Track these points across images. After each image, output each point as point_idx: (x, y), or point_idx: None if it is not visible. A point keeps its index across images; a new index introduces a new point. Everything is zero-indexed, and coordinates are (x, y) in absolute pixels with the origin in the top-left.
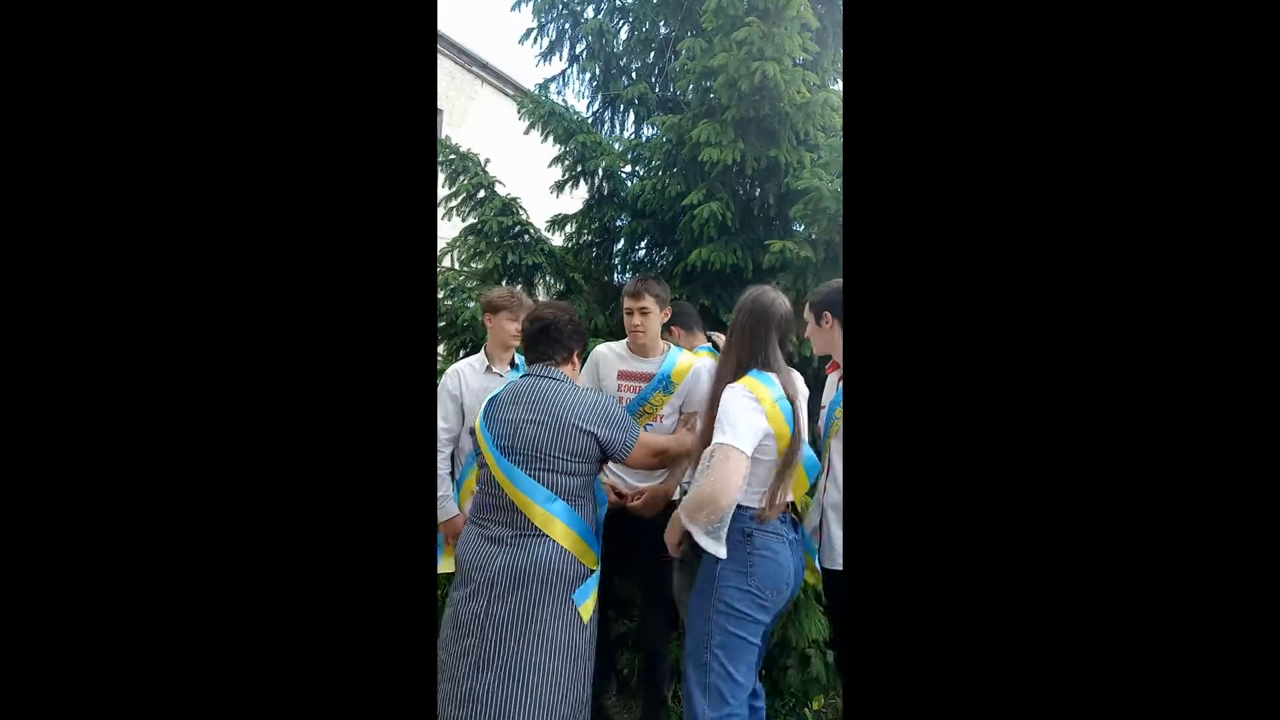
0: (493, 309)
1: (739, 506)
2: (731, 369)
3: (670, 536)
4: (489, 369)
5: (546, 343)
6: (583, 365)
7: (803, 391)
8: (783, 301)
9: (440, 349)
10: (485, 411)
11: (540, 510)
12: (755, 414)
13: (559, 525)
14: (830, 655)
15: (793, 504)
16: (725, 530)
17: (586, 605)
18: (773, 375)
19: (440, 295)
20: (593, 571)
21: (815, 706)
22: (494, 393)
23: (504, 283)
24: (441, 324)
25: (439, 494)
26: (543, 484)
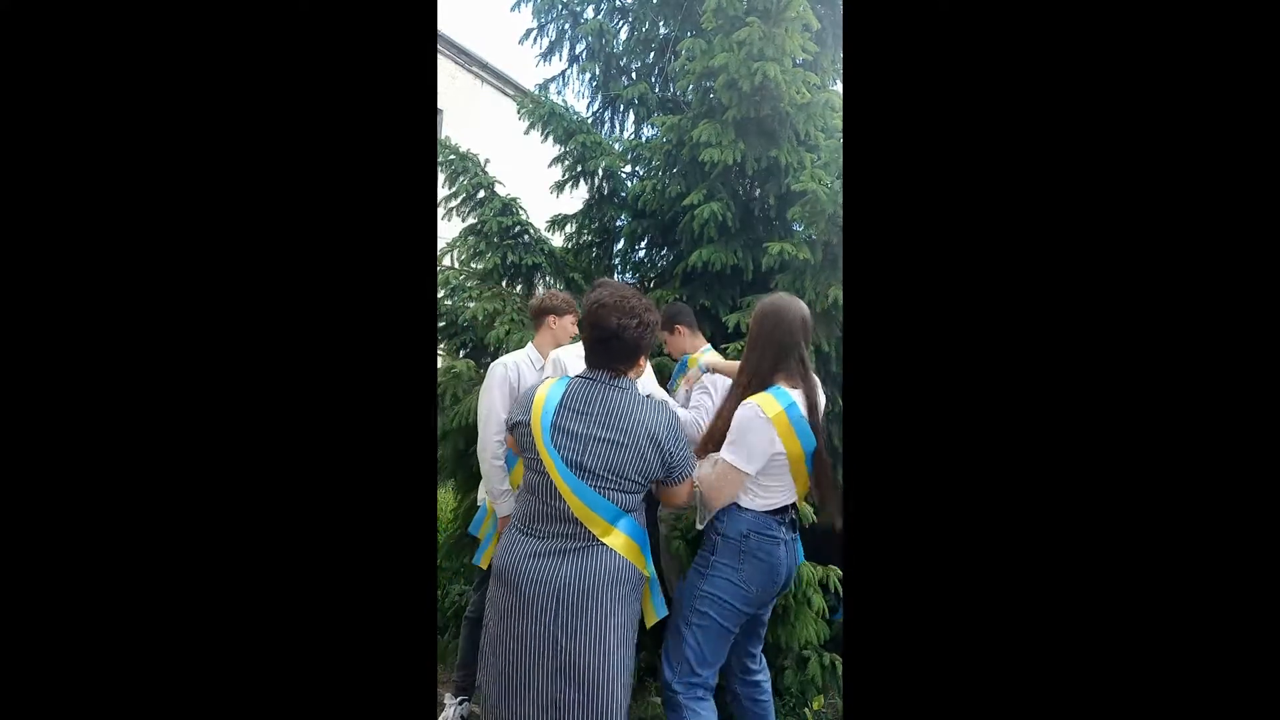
0: (557, 312)
1: (740, 508)
2: (749, 382)
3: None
4: (542, 367)
5: (608, 355)
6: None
7: (821, 402)
8: (801, 307)
9: (440, 349)
10: (547, 420)
11: (603, 523)
12: (764, 434)
13: (621, 537)
14: (827, 657)
15: (794, 506)
16: (710, 515)
17: (649, 611)
18: (788, 389)
19: (440, 295)
20: (646, 576)
21: (815, 707)
22: (550, 397)
23: (504, 283)
24: (441, 324)
25: (502, 488)
26: (612, 501)
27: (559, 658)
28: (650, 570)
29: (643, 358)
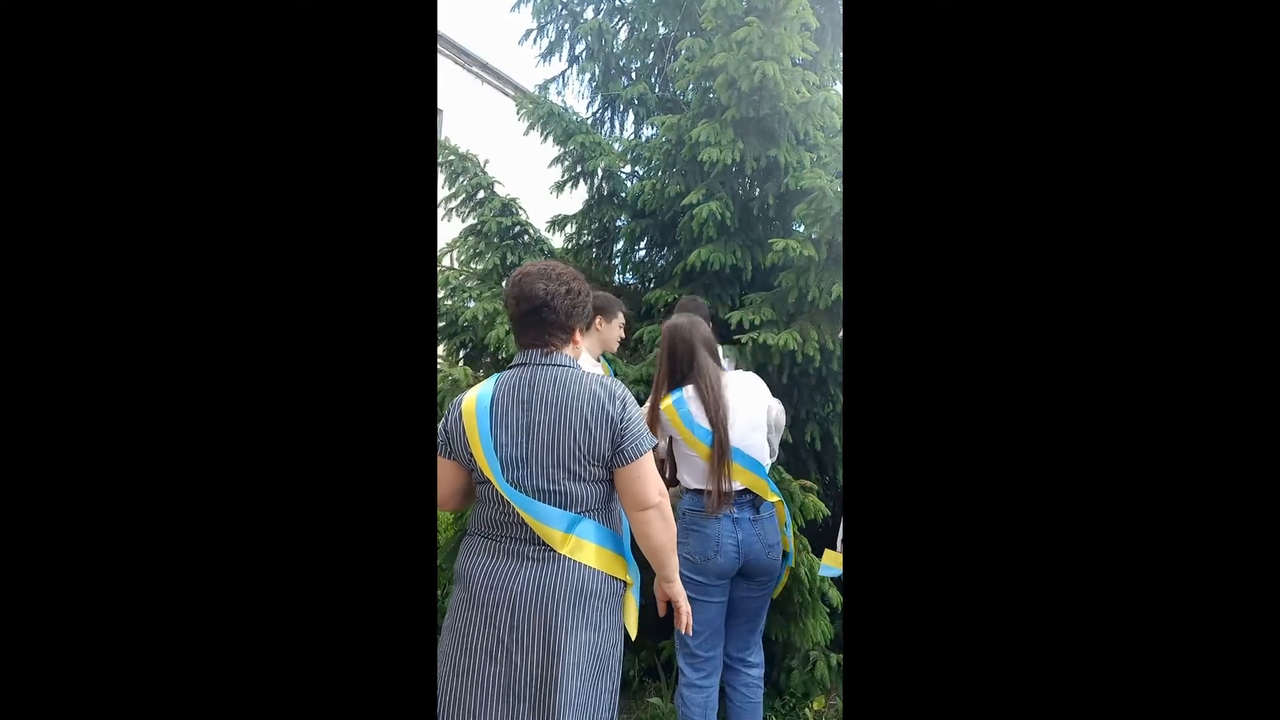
0: (606, 313)
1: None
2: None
3: None
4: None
5: (540, 327)
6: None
7: (731, 397)
8: (691, 321)
9: (440, 349)
10: (484, 423)
11: (558, 534)
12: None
13: (588, 547)
14: (834, 658)
15: (744, 490)
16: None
17: (631, 622)
18: (685, 389)
19: (440, 295)
20: (626, 584)
21: (816, 706)
22: (481, 397)
23: (504, 283)
24: (441, 324)
25: None
26: (564, 501)
27: (514, 676)
28: (632, 574)
29: (578, 332)
